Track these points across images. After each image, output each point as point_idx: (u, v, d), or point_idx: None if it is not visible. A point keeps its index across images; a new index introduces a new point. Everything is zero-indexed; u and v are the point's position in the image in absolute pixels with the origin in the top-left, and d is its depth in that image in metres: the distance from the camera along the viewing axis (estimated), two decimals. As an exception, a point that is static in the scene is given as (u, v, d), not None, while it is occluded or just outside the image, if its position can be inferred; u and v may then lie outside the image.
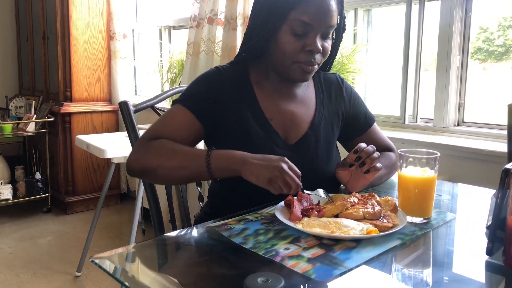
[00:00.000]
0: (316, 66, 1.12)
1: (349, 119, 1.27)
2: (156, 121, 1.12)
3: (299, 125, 1.18)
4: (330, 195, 1.05)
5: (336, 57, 1.28)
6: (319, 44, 1.08)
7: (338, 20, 1.14)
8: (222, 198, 1.20)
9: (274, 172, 0.92)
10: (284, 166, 0.93)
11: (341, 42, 1.25)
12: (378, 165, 1.07)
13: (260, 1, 1.14)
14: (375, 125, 1.31)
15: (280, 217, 0.92)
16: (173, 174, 1.03)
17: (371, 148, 1.08)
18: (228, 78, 1.15)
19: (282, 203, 1.00)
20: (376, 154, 1.07)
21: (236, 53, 2.26)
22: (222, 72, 1.16)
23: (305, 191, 1.00)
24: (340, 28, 1.19)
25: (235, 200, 1.15)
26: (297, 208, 0.94)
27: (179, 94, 1.18)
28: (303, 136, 1.18)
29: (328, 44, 1.12)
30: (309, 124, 1.19)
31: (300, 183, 0.95)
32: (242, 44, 1.21)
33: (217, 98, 1.13)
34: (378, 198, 0.98)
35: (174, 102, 1.14)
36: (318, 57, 1.10)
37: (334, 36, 1.20)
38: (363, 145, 1.08)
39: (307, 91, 1.23)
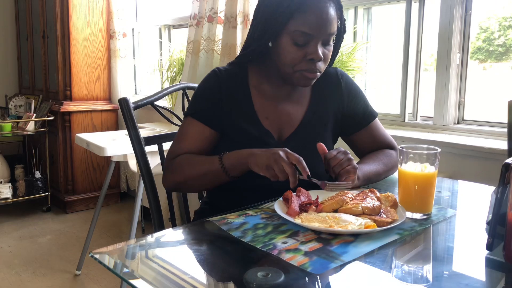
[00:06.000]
0: (318, 73, 1.12)
1: (346, 114, 1.27)
2: (174, 139, 1.19)
3: (291, 124, 1.21)
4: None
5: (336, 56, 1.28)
6: (320, 52, 1.08)
7: (338, 25, 1.14)
8: (220, 194, 1.21)
9: (270, 160, 0.97)
10: (281, 153, 0.98)
11: (342, 42, 1.25)
12: (349, 167, 1.05)
13: (261, 8, 1.15)
14: (377, 121, 1.30)
15: (279, 211, 0.92)
16: (199, 182, 1.12)
17: (339, 156, 1.06)
18: (226, 79, 1.19)
19: (281, 198, 1.00)
20: (350, 164, 1.05)
21: (236, 51, 2.28)
22: (219, 74, 1.19)
23: (313, 179, 1.00)
24: (341, 31, 1.19)
25: (231, 196, 1.16)
26: (295, 203, 0.94)
27: (187, 106, 1.24)
28: (292, 133, 1.20)
29: (329, 50, 1.12)
30: (299, 122, 1.21)
31: (306, 170, 0.98)
32: (242, 49, 1.22)
33: (219, 98, 1.17)
34: (378, 194, 0.98)
35: (185, 115, 1.20)
36: (320, 64, 1.11)
37: (334, 39, 1.19)
38: (330, 155, 1.07)
39: (303, 88, 1.24)
